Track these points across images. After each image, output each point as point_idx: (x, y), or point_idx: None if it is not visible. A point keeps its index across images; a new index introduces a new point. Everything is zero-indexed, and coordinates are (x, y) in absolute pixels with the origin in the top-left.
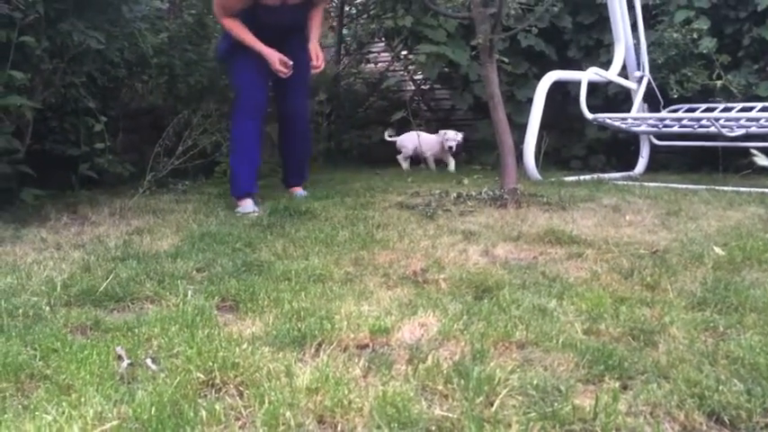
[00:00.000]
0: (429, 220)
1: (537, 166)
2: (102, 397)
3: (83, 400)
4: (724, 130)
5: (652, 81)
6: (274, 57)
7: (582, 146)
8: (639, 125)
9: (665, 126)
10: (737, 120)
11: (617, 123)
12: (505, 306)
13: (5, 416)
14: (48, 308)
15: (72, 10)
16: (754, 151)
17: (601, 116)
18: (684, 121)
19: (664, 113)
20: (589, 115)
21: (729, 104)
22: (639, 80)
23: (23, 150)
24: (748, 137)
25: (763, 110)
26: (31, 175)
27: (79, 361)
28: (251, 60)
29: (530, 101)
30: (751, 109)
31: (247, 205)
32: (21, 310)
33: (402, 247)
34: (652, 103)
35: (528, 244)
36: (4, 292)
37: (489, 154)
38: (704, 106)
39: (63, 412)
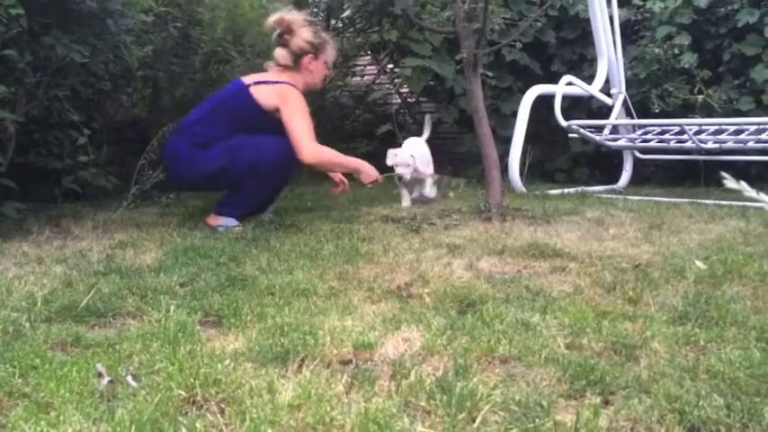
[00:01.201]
0: (414, 233)
1: (521, 179)
2: (82, 415)
3: (62, 418)
4: (701, 145)
5: (628, 99)
6: (372, 169)
7: (566, 159)
8: (617, 139)
9: (643, 141)
10: (715, 134)
11: (591, 134)
12: (489, 320)
13: None
14: (28, 324)
15: (56, 24)
16: (724, 174)
17: (575, 123)
18: (663, 135)
19: (640, 121)
20: (563, 122)
21: (704, 120)
22: (616, 96)
23: (6, 164)
24: (726, 151)
25: (739, 124)
26: (13, 188)
27: (59, 378)
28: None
29: (514, 114)
30: (728, 124)
31: (230, 220)
32: (0, 327)
33: (387, 261)
34: (629, 118)
35: (512, 257)
36: None
37: (474, 167)
38: (676, 121)
39: (41, 431)
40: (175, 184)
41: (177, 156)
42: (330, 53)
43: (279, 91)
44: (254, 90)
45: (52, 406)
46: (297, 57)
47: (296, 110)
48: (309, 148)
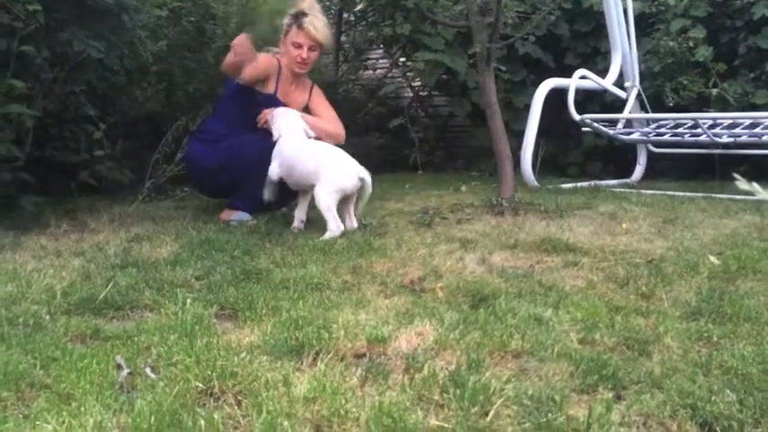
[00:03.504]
0: (426, 227)
1: (534, 173)
2: (102, 406)
3: (83, 409)
4: (715, 138)
5: (642, 92)
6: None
7: (579, 153)
8: (630, 133)
9: (657, 134)
10: (730, 128)
11: (604, 128)
12: (501, 315)
13: (6, 425)
14: (48, 316)
15: (72, 19)
16: (737, 176)
17: (589, 117)
18: (677, 129)
19: (654, 115)
20: (577, 116)
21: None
22: (630, 90)
23: (23, 158)
24: (740, 145)
25: (754, 118)
26: (30, 182)
27: (79, 370)
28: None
29: (527, 108)
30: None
31: (243, 214)
32: (21, 319)
33: (399, 256)
34: (643, 112)
35: (525, 252)
36: (4, 301)
37: (487, 161)
38: (691, 115)
39: (63, 422)
40: (196, 188)
41: (190, 154)
42: (293, 35)
43: None
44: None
45: (73, 397)
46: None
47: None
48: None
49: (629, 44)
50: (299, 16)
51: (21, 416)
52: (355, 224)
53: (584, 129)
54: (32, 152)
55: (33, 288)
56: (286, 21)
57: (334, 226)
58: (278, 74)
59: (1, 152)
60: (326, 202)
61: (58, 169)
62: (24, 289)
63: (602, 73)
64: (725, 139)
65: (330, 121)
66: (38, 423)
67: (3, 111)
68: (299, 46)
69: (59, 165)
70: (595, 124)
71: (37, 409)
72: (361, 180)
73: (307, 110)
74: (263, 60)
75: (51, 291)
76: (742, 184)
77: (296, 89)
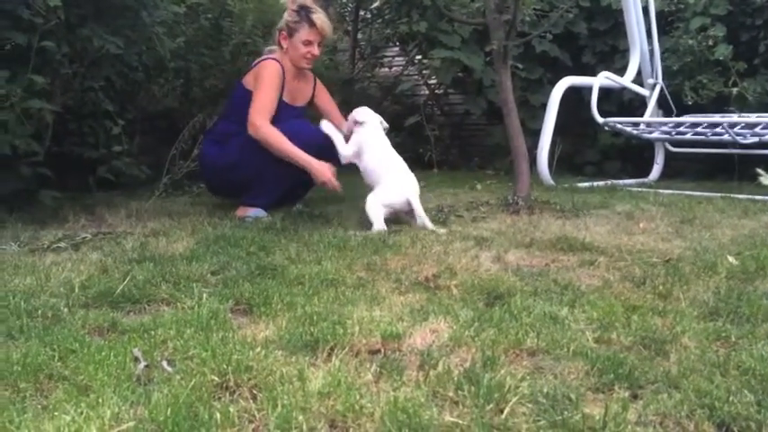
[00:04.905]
0: (441, 225)
1: (550, 171)
2: (120, 398)
3: (100, 400)
4: (738, 138)
5: (665, 88)
6: (324, 170)
7: (596, 152)
8: (652, 131)
9: (678, 133)
10: (752, 127)
11: (628, 129)
12: (517, 313)
13: (25, 416)
14: (66, 309)
15: (92, 15)
16: (760, 171)
17: (611, 120)
18: (698, 128)
19: (675, 119)
20: (600, 119)
21: (744, 114)
22: (653, 87)
23: (43, 153)
24: (763, 145)
25: None
26: (49, 176)
27: (97, 362)
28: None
29: (544, 106)
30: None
31: (258, 210)
32: (40, 311)
33: (414, 253)
34: (665, 110)
35: (540, 251)
36: (23, 293)
37: (502, 159)
38: (717, 116)
39: (81, 413)
40: (210, 189)
41: (203, 156)
42: (305, 33)
43: (255, 70)
44: (244, 79)
45: (91, 389)
46: (277, 35)
47: (261, 83)
48: (256, 123)
49: (652, 41)
50: (302, 12)
51: (39, 406)
52: (427, 222)
53: (606, 127)
54: (51, 147)
55: (52, 281)
56: (289, 17)
57: (376, 228)
58: (282, 76)
59: (21, 147)
60: (373, 210)
61: (77, 164)
62: (43, 282)
63: (620, 71)
64: (749, 139)
65: (337, 114)
66: (56, 414)
67: (23, 105)
68: (310, 43)
69: (78, 160)
70: (619, 126)
71: (55, 400)
72: (408, 202)
73: (312, 102)
74: (274, 74)
75: (69, 284)
76: (765, 179)
77: (300, 83)
